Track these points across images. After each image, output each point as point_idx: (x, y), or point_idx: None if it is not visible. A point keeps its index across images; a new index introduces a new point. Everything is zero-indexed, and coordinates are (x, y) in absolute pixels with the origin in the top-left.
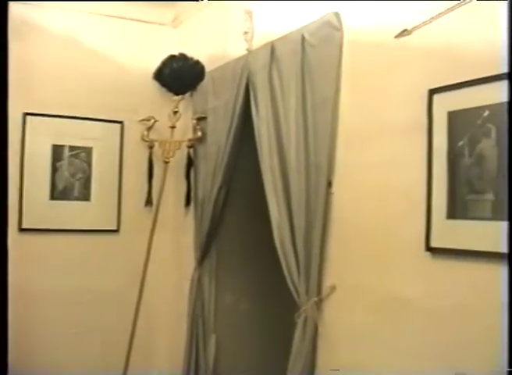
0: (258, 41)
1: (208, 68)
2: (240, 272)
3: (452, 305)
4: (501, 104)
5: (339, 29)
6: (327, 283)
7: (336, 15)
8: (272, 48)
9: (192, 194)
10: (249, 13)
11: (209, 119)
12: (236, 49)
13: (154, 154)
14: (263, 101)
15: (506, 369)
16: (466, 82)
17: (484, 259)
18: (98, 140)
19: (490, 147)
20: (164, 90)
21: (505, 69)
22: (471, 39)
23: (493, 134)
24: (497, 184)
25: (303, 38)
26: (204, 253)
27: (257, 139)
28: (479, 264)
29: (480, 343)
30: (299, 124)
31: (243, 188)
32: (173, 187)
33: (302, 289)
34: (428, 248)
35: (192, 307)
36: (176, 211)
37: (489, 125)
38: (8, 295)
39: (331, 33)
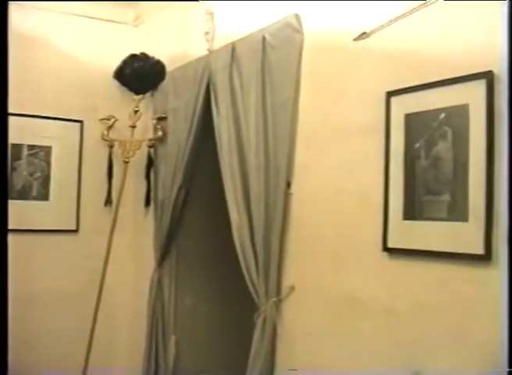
0: (219, 42)
1: (169, 68)
2: (200, 273)
3: (409, 304)
4: (457, 107)
5: (299, 31)
6: (286, 283)
7: (297, 17)
8: (233, 49)
9: (152, 194)
10: (210, 14)
11: (170, 118)
12: (198, 49)
13: (114, 153)
14: (223, 101)
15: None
16: (423, 85)
17: (440, 259)
18: (57, 139)
19: (446, 149)
20: (124, 89)
21: (461, 73)
22: (428, 42)
23: (449, 137)
24: (453, 186)
25: (263, 39)
26: (163, 254)
27: (217, 139)
28: (435, 264)
29: (436, 341)
30: (259, 125)
31: (203, 188)
32: (133, 187)
33: (261, 290)
34: (385, 249)
35: (152, 308)
36: (135, 211)
37: (445, 127)
38: None
39: (291, 34)
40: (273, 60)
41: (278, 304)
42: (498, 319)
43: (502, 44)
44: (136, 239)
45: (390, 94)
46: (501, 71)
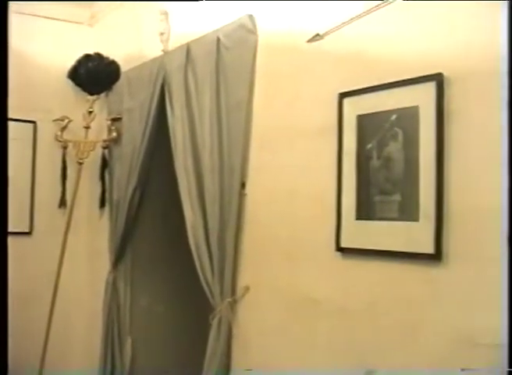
0: (174, 42)
1: (123, 68)
2: (156, 274)
3: (362, 303)
4: (408, 108)
5: (253, 32)
6: (241, 283)
7: (251, 18)
8: (188, 50)
9: (107, 196)
10: (165, 14)
11: (124, 119)
12: (152, 50)
13: (68, 154)
14: (178, 102)
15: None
16: (375, 86)
17: (392, 259)
18: (10, 140)
19: (397, 150)
20: (78, 89)
21: (412, 75)
22: (381, 44)
23: (400, 138)
24: (404, 186)
25: (218, 40)
26: (119, 255)
27: (172, 140)
28: (387, 263)
29: (389, 340)
30: (213, 125)
31: (158, 189)
32: (88, 189)
33: (216, 290)
34: (339, 249)
35: (107, 310)
36: (90, 212)
37: (396, 129)
38: None
39: (245, 35)
40: (227, 61)
41: (233, 304)
42: (448, 318)
43: (454, 47)
44: (91, 241)
45: (343, 96)
46: (452, 73)
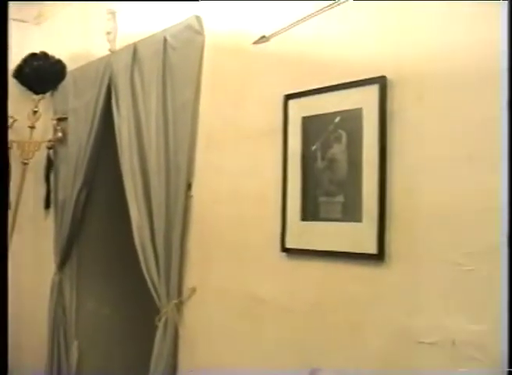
0: (121, 42)
1: (70, 67)
2: (103, 276)
3: (307, 303)
4: (351, 110)
5: (200, 33)
6: (187, 285)
7: (198, 18)
8: (135, 50)
9: (52, 196)
10: (112, 13)
11: (70, 119)
12: (99, 49)
13: (13, 155)
14: (124, 101)
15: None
16: (320, 88)
17: (336, 259)
18: None
19: (341, 151)
20: (23, 89)
21: (356, 77)
22: (326, 47)
23: (344, 139)
24: (347, 187)
25: (165, 40)
26: (64, 257)
27: (117, 140)
28: (331, 264)
29: (333, 340)
30: (159, 126)
31: (104, 190)
32: (32, 189)
33: (162, 291)
34: (284, 249)
35: (52, 312)
36: (35, 214)
37: (340, 130)
38: None
39: (192, 36)
40: (174, 61)
41: (179, 306)
42: (392, 317)
43: (397, 50)
44: (36, 242)
45: (288, 97)
46: (395, 76)
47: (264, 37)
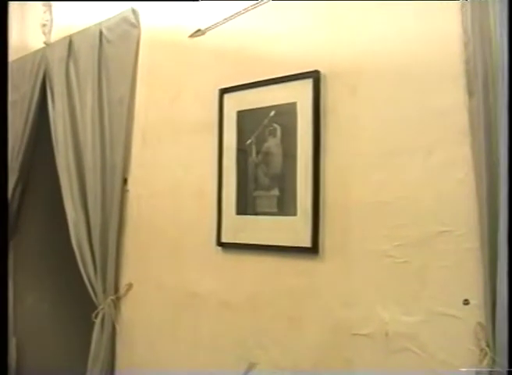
0: (57, 34)
1: None
2: (41, 272)
3: (244, 297)
4: (286, 104)
5: (136, 26)
6: (124, 281)
7: (134, 11)
8: (70, 42)
9: None
10: (48, 5)
11: (9, 112)
12: (35, 41)
13: None
14: (59, 96)
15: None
16: (254, 83)
17: (271, 253)
18: None
19: (275, 145)
20: None
21: (291, 72)
22: (262, 41)
23: (278, 133)
24: (282, 181)
25: (100, 33)
26: None
27: (52, 135)
28: (267, 257)
29: (271, 332)
30: (95, 120)
31: (41, 185)
32: None
33: (99, 287)
34: (220, 243)
35: None
36: None
37: (275, 124)
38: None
39: (128, 29)
40: (110, 55)
41: (116, 302)
42: (327, 309)
43: (330, 44)
44: None
45: (223, 92)
46: (328, 70)
47: (199, 30)
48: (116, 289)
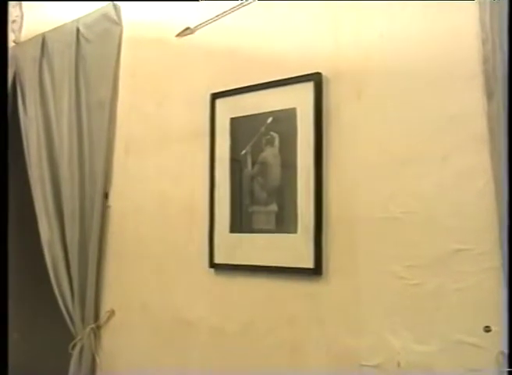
0: (29, 32)
1: None
2: (11, 297)
3: (239, 323)
4: (284, 110)
5: (118, 23)
6: (106, 307)
7: (115, 7)
8: (44, 41)
9: None
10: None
11: None
12: None
13: None
14: (32, 100)
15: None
16: (250, 86)
17: (269, 274)
18: None
19: (273, 155)
20: None
21: (289, 74)
22: (257, 41)
23: (277, 142)
24: (281, 195)
25: (78, 31)
26: None
27: (24, 143)
28: (264, 279)
29: (270, 362)
30: (72, 127)
31: (13, 200)
32: None
33: (77, 315)
34: (212, 265)
35: None
36: None
37: (273, 133)
38: None
39: (109, 27)
40: (88, 55)
41: (96, 331)
42: (332, 336)
43: (333, 45)
44: None
45: (215, 96)
46: (330, 72)
47: (188, 28)
48: (96, 316)
